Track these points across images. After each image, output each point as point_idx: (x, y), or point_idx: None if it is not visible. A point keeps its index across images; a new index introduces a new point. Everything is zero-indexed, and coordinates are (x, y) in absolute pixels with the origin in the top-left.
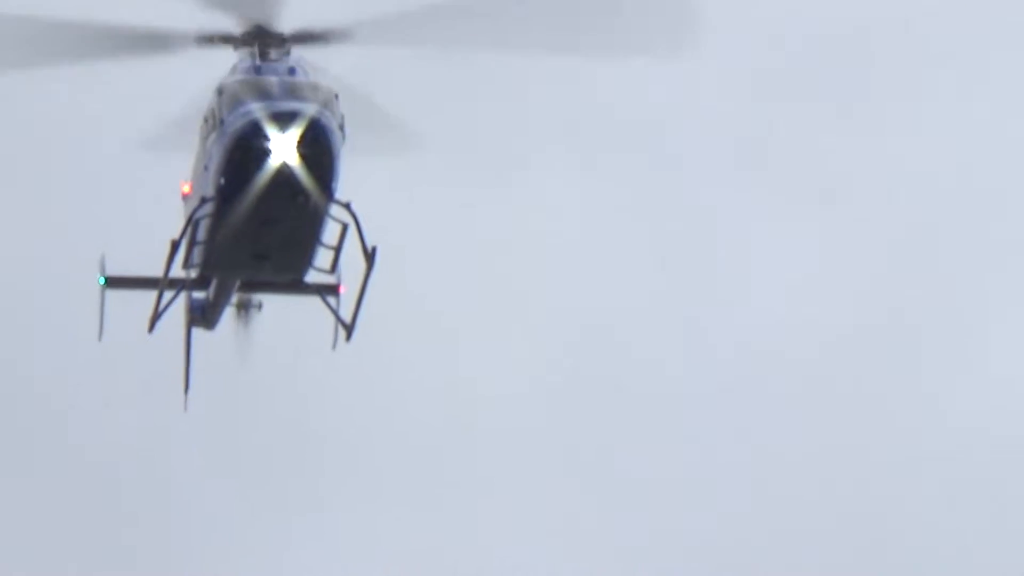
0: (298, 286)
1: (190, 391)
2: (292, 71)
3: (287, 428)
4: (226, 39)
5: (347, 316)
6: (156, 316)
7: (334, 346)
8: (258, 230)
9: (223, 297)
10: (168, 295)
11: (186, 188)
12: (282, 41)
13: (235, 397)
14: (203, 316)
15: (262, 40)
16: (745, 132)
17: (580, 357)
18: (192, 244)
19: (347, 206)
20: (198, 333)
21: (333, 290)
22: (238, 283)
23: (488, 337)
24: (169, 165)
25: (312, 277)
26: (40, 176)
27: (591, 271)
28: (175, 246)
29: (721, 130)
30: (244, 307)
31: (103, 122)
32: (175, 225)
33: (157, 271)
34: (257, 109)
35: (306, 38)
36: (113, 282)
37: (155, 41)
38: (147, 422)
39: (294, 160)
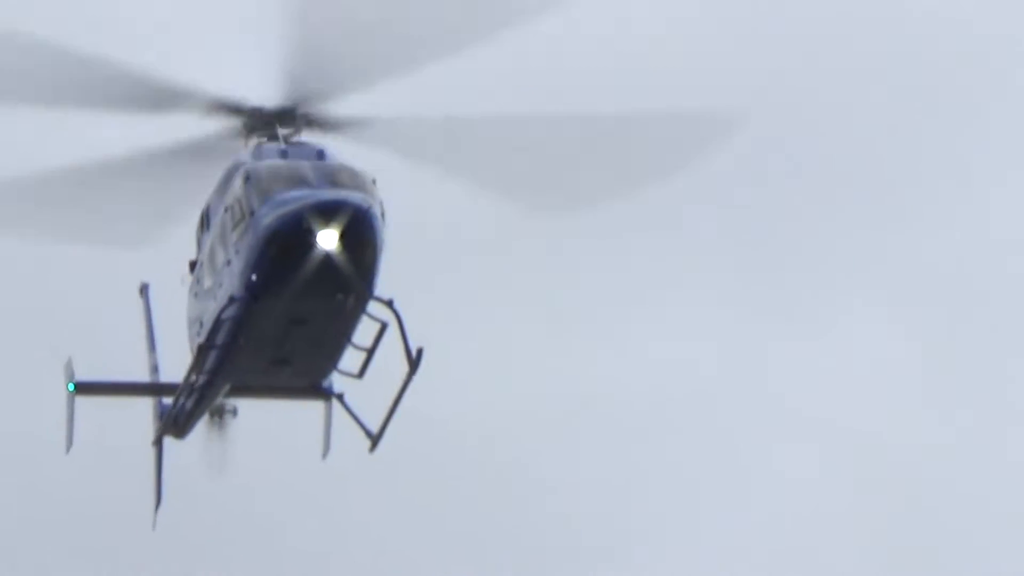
0: (286, 392)
1: (161, 506)
2: (321, 154)
3: (268, 552)
4: (238, 111)
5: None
6: (164, 429)
7: (324, 455)
8: (286, 332)
9: (207, 403)
10: (187, 401)
11: (189, 278)
12: (295, 123)
13: (209, 514)
14: (175, 423)
15: (279, 121)
16: None
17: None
18: (210, 348)
19: (389, 303)
20: (168, 442)
21: (325, 395)
22: (227, 389)
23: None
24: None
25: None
26: None
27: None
28: (203, 350)
29: None
30: (219, 413)
31: None
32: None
33: (125, 374)
34: (295, 199)
35: (323, 125)
36: (83, 388)
37: (164, 98)
38: (114, 541)
39: (337, 254)
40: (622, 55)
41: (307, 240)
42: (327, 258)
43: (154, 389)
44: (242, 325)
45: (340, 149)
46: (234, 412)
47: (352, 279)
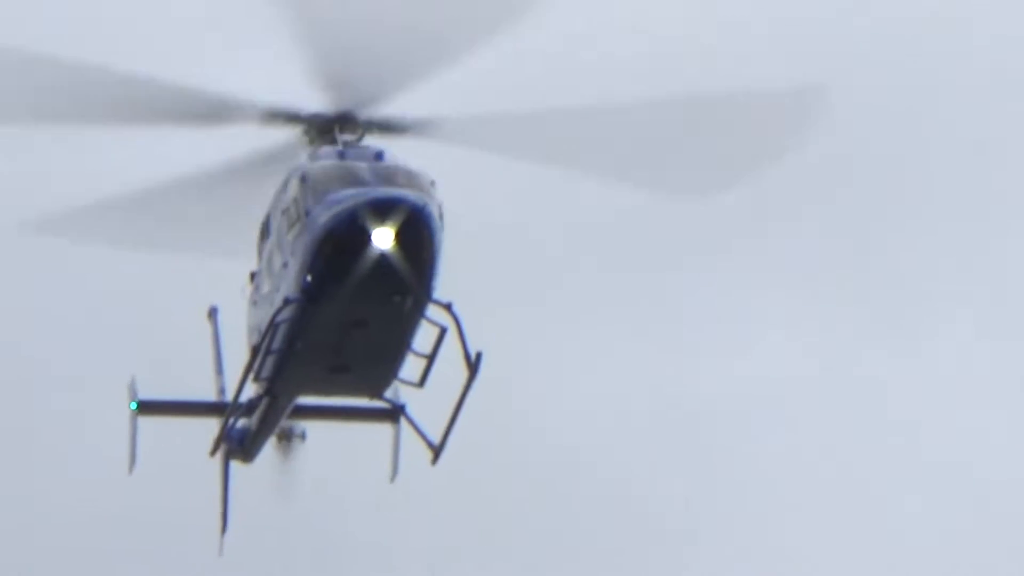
0: (352, 412)
1: (227, 532)
2: (380, 155)
3: None
4: (297, 119)
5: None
6: (222, 435)
7: (393, 478)
8: (343, 337)
9: (273, 424)
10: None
11: (249, 288)
12: (357, 128)
13: (277, 540)
14: (241, 447)
15: (339, 126)
16: None
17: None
18: (267, 353)
19: (448, 307)
20: (235, 466)
21: (393, 414)
22: (291, 408)
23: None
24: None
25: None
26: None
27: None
28: (255, 352)
29: None
30: (286, 436)
31: None
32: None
33: (189, 392)
34: (350, 197)
35: (385, 128)
36: (146, 407)
37: (217, 110)
38: (178, 567)
39: (394, 253)
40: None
41: (361, 239)
42: (382, 257)
43: (220, 409)
44: (298, 329)
45: (405, 151)
46: (303, 436)
47: (408, 279)
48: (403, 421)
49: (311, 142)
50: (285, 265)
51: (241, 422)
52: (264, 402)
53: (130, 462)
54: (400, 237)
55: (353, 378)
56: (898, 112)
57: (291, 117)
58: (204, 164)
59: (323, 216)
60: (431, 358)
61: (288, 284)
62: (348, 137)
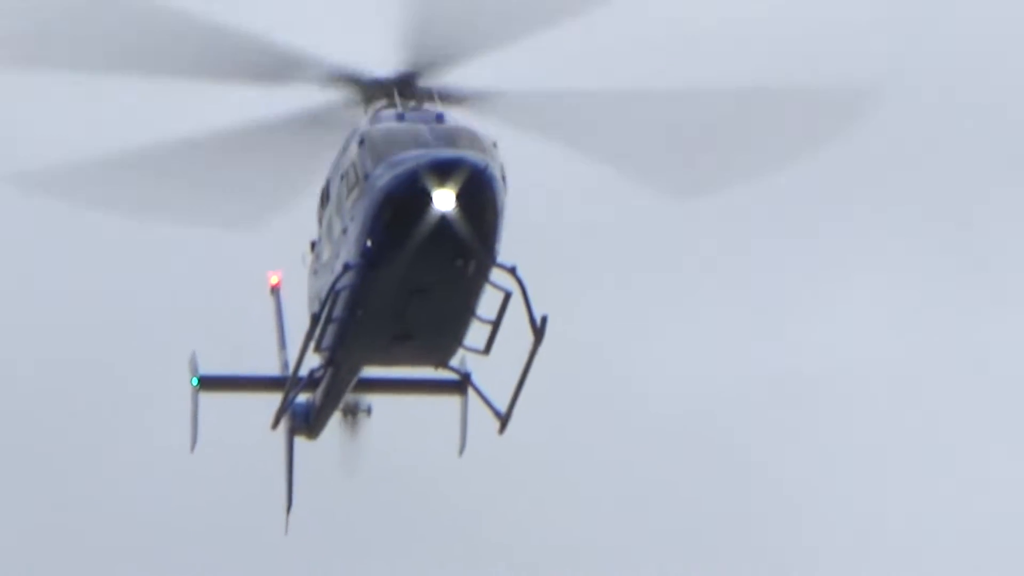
0: (418, 384)
1: (292, 510)
2: (440, 117)
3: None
4: (357, 82)
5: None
6: (284, 409)
7: (461, 451)
8: (406, 302)
9: (337, 398)
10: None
11: (309, 257)
12: (416, 94)
13: (343, 518)
14: (306, 423)
15: (399, 90)
16: None
17: None
18: (327, 321)
19: (512, 270)
20: (299, 442)
21: (460, 385)
22: (355, 381)
23: None
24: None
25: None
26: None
27: None
28: (315, 321)
29: None
30: (352, 411)
31: None
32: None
33: (251, 368)
34: (410, 159)
35: (444, 96)
36: (207, 383)
37: (283, 67)
38: (243, 548)
39: (455, 216)
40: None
41: (422, 201)
42: (443, 220)
43: (284, 384)
44: (358, 296)
45: (463, 117)
46: (368, 410)
47: (470, 242)
48: (471, 392)
49: (367, 105)
50: (345, 231)
51: (306, 397)
52: (327, 375)
53: (192, 440)
54: (462, 199)
55: (417, 346)
56: (992, 78)
57: (353, 79)
58: (245, 122)
59: (383, 179)
60: (496, 324)
61: (348, 250)
62: (405, 101)
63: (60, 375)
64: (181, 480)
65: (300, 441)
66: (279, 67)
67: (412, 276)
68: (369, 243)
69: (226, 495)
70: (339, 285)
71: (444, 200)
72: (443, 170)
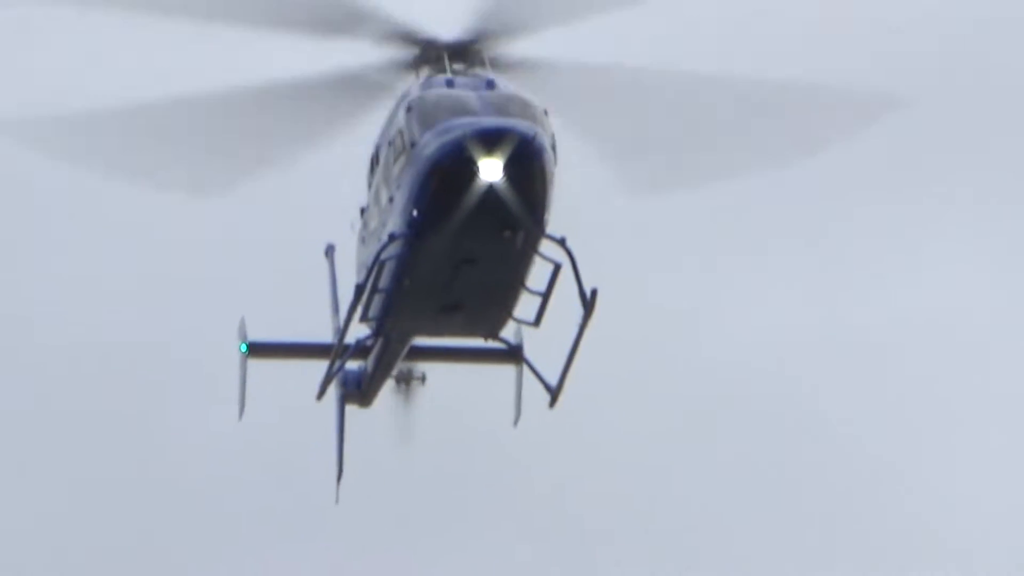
0: (470, 353)
1: (342, 479)
2: (491, 84)
3: (459, 528)
4: (413, 41)
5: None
6: (329, 379)
7: (516, 421)
8: (454, 273)
9: (388, 366)
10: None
11: (358, 224)
12: (469, 59)
13: (395, 488)
14: (358, 390)
15: (455, 54)
16: None
17: None
18: (373, 291)
19: (561, 242)
20: (351, 411)
21: (513, 354)
22: (407, 349)
23: None
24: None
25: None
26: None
27: None
28: (360, 291)
29: None
30: (405, 380)
31: None
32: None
33: (299, 334)
34: (458, 127)
35: (500, 64)
36: (256, 349)
37: (345, 20)
38: (293, 517)
39: (503, 186)
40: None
41: (468, 170)
42: (490, 189)
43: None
44: (405, 266)
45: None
46: (422, 379)
47: (519, 213)
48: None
49: (419, 68)
50: (391, 200)
51: (357, 365)
52: (378, 344)
53: (240, 407)
54: (509, 169)
55: (466, 317)
56: None
57: (409, 38)
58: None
59: (429, 147)
60: (546, 296)
61: (394, 220)
62: (457, 66)
63: (109, 346)
64: (230, 448)
65: (352, 409)
66: (342, 18)
67: (459, 247)
68: (415, 213)
69: (275, 464)
70: (385, 255)
71: (491, 170)
72: (490, 139)
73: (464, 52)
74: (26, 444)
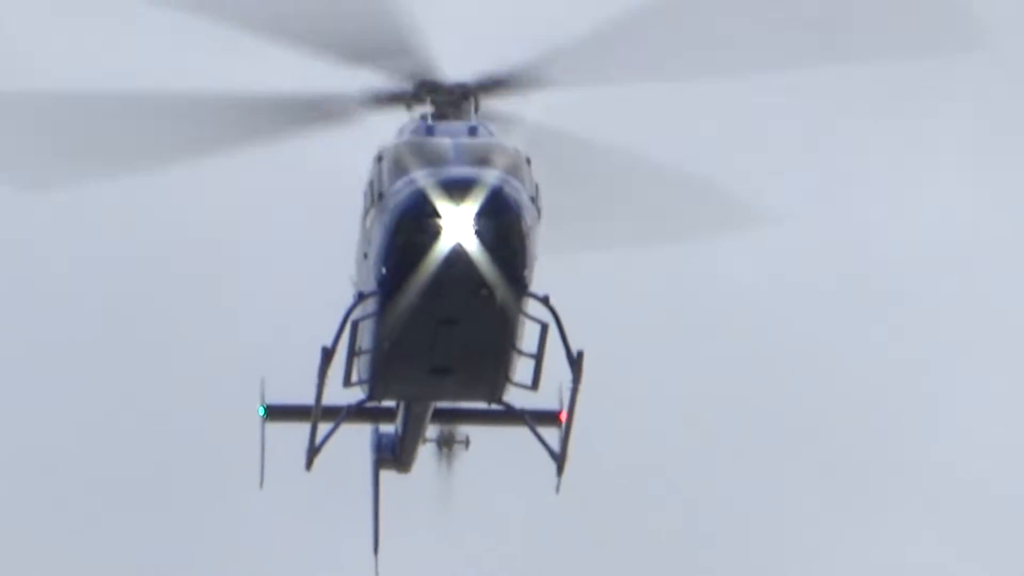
0: (510, 415)
1: (379, 550)
2: (473, 130)
3: None
4: (398, 97)
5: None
6: (315, 449)
7: (558, 489)
8: (433, 335)
9: (415, 429)
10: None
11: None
12: (462, 93)
13: (437, 558)
14: (393, 455)
15: (437, 94)
16: None
17: None
18: (352, 355)
19: (544, 300)
20: (388, 476)
21: (553, 416)
22: (431, 411)
23: None
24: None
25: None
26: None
27: None
28: (326, 354)
29: None
30: (447, 443)
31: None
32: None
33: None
34: (423, 177)
35: (491, 86)
36: (276, 412)
37: (320, 109)
38: None
39: (471, 241)
40: None
41: (432, 224)
42: (457, 244)
43: (360, 413)
44: (380, 326)
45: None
46: (466, 443)
47: (491, 269)
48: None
49: (410, 107)
50: (365, 256)
51: (391, 428)
52: (400, 407)
53: (261, 475)
54: (478, 221)
55: (459, 381)
56: None
57: (396, 96)
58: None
59: (394, 199)
60: (538, 358)
61: (363, 277)
62: (455, 107)
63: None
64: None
65: (389, 475)
66: (317, 108)
67: (433, 307)
68: (383, 270)
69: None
70: (356, 315)
71: (456, 222)
72: (455, 189)
73: (460, 97)
74: None
